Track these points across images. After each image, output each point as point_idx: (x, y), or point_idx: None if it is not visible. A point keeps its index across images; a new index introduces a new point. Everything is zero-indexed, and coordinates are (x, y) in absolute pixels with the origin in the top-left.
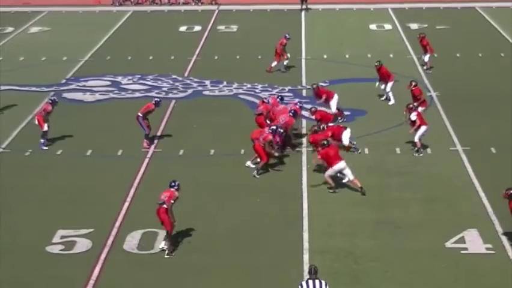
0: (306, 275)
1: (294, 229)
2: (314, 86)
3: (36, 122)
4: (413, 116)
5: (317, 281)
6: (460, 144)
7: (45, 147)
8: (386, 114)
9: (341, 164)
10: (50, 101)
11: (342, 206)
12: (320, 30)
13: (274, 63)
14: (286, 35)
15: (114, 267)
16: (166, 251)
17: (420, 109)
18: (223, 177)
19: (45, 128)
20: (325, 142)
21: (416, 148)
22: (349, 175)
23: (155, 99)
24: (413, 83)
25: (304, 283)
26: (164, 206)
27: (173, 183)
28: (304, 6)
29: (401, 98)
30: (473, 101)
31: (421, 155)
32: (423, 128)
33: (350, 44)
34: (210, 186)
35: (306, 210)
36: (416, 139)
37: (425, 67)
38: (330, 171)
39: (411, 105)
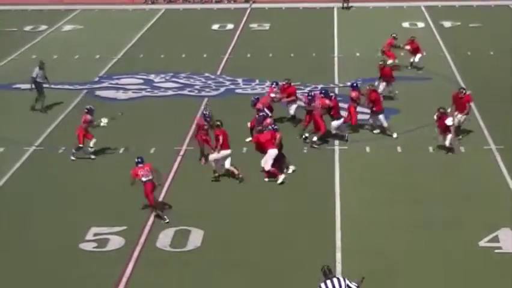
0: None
1: (326, 227)
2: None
3: (76, 135)
4: (450, 121)
5: (335, 279)
6: (493, 143)
7: (73, 158)
8: (419, 113)
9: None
10: (86, 110)
11: (375, 204)
12: (352, 28)
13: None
14: (394, 35)
15: (147, 264)
16: (167, 220)
17: (462, 116)
18: (255, 174)
19: (81, 144)
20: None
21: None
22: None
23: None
24: (463, 91)
25: (323, 284)
26: (152, 181)
27: (139, 159)
28: (346, 5)
29: (434, 97)
30: (506, 100)
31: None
32: (450, 135)
33: (383, 42)
34: (242, 183)
35: (339, 208)
36: (448, 144)
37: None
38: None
39: (442, 110)
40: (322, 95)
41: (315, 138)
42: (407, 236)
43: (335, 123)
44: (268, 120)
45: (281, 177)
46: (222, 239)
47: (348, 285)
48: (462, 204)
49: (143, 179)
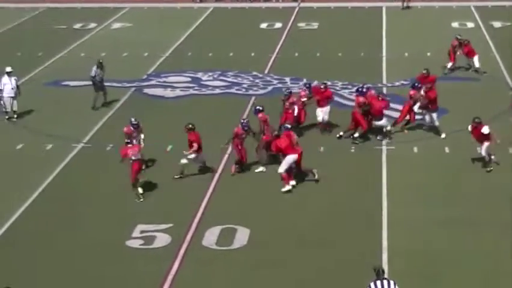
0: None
1: (373, 227)
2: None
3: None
4: (486, 130)
5: (385, 281)
6: None
7: None
8: (468, 113)
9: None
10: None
11: (422, 204)
12: (401, 27)
13: (449, 64)
14: (458, 36)
15: (193, 262)
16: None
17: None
18: (305, 174)
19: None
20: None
21: (488, 160)
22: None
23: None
24: None
25: (372, 284)
26: (140, 161)
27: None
28: (405, 4)
29: (482, 97)
30: None
31: (491, 168)
32: (486, 143)
33: (432, 42)
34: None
35: (386, 208)
36: (484, 153)
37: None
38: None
39: (477, 120)
40: (357, 94)
41: (356, 135)
42: (452, 235)
43: (378, 123)
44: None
45: (287, 187)
46: (268, 238)
47: None
48: (507, 204)
49: (133, 157)
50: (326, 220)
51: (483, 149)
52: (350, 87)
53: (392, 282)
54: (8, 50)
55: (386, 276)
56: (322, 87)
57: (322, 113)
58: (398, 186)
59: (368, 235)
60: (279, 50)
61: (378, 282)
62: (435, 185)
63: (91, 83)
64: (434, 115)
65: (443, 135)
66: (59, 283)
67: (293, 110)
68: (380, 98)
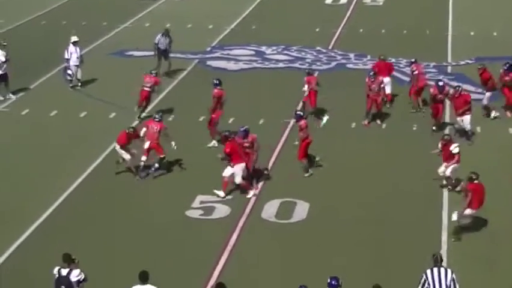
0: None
1: (432, 207)
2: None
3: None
4: (456, 149)
5: (442, 269)
6: None
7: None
8: None
9: None
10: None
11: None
12: (467, 6)
13: None
14: None
15: (251, 234)
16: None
17: None
18: (366, 152)
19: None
20: None
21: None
22: None
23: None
24: None
25: (429, 271)
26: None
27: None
28: None
29: None
30: None
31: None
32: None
33: (499, 21)
34: (352, 160)
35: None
36: (448, 173)
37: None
38: None
39: (447, 137)
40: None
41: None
42: None
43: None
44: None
45: (251, 192)
46: (328, 213)
47: (454, 279)
48: None
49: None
50: (386, 198)
51: (449, 169)
52: None
53: (449, 271)
54: (73, 19)
55: (444, 264)
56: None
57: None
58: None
59: (428, 215)
60: (344, 25)
61: (435, 270)
62: (498, 167)
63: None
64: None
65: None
66: (121, 252)
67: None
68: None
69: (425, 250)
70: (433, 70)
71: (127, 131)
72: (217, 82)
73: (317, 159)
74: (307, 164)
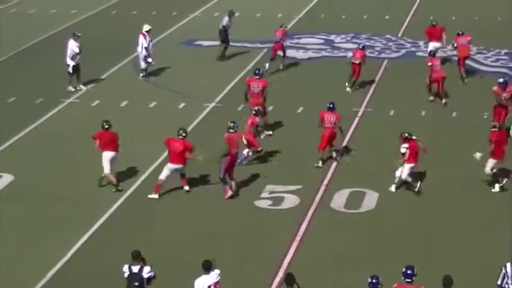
0: None
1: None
2: None
3: (245, 142)
4: (403, 149)
5: None
6: None
7: (244, 162)
8: None
9: None
10: (254, 112)
11: None
12: None
13: None
14: None
15: (320, 224)
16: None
17: None
18: (435, 142)
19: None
20: None
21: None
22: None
23: None
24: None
25: (509, 264)
26: None
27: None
28: None
29: None
30: None
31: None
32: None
33: None
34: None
35: None
36: (404, 176)
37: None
38: None
39: (405, 134)
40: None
41: None
42: None
43: None
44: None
45: (154, 195)
46: (397, 203)
47: None
48: None
49: None
50: (454, 184)
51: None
52: (485, 52)
53: None
54: (143, 9)
55: None
56: None
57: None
58: None
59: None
60: (414, 12)
61: None
62: None
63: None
64: None
65: None
66: (189, 238)
67: None
68: None
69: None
70: (504, 57)
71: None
72: (257, 72)
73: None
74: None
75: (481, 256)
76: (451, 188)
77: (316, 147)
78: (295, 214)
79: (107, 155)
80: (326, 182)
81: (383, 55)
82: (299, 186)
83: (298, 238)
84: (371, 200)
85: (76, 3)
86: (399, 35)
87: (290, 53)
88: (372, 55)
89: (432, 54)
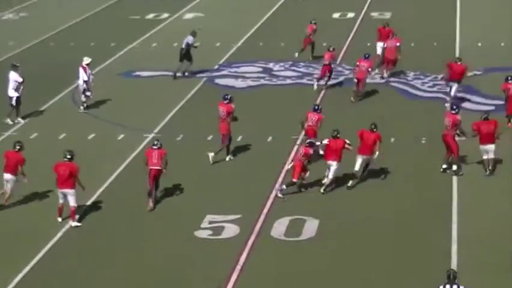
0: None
1: (442, 218)
2: None
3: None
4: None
5: (455, 287)
6: None
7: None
8: None
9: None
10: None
11: (493, 195)
12: (475, 16)
13: None
14: None
15: (261, 253)
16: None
17: None
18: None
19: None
20: None
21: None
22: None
23: None
24: None
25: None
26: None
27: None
28: None
29: None
30: None
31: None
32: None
33: (506, 32)
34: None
35: (456, 198)
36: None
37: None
38: None
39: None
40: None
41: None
42: None
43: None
44: None
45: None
46: (337, 230)
47: None
48: None
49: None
50: (392, 210)
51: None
52: (421, 77)
53: None
54: (81, 40)
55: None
56: None
57: None
58: (468, 176)
59: (437, 226)
60: (351, 39)
61: (448, 287)
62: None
63: (162, 73)
64: None
65: None
66: (127, 269)
67: None
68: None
69: (434, 262)
70: (441, 82)
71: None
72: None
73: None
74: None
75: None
76: (395, 213)
77: (254, 174)
78: (235, 243)
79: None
80: (265, 210)
81: (321, 82)
82: (239, 216)
83: (238, 267)
84: (311, 227)
85: (14, 35)
86: (338, 62)
87: (229, 81)
88: (310, 83)
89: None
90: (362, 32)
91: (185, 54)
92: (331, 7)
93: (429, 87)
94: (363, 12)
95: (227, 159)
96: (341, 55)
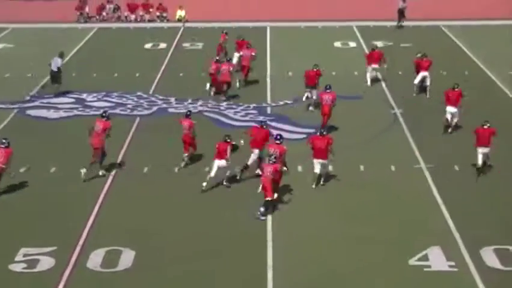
0: None
1: (257, 245)
2: None
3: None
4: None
5: None
6: (423, 162)
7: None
8: (352, 129)
9: None
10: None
11: (307, 221)
12: (285, 47)
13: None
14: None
15: (77, 285)
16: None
17: None
18: (180, 192)
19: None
20: None
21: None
22: None
23: None
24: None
25: None
26: None
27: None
28: (401, 23)
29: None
30: (436, 119)
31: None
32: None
33: (315, 61)
34: (162, 201)
35: (270, 226)
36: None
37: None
38: None
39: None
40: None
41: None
42: (338, 252)
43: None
44: None
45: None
46: (153, 260)
47: None
48: (392, 221)
49: None
50: (212, 239)
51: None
52: (234, 107)
53: None
54: None
55: None
56: None
57: None
58: (283, 204)
59: (252, 253)
60: (164, 70)
61: None
62: (323, 201)
63: None
64: None
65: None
66: None
67: None
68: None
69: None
70: (253, 111)
71: None
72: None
73: None
74: None
75: None
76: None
77: (69, 207)
78: (51, 276)
79: None
80: (81, 242)
81: (135, 112)
82: (54, 248)
83: None
84: (127, 257)
85: None
86: (151, 92)
87: (41, 113)
88: (124, 113)
89: None
90: (174, 62)
91: (56, 77)
92: (143, 38)
93: (242, 116)
94: (175, 43)
95: (100, 173)
96: (153, 85)
